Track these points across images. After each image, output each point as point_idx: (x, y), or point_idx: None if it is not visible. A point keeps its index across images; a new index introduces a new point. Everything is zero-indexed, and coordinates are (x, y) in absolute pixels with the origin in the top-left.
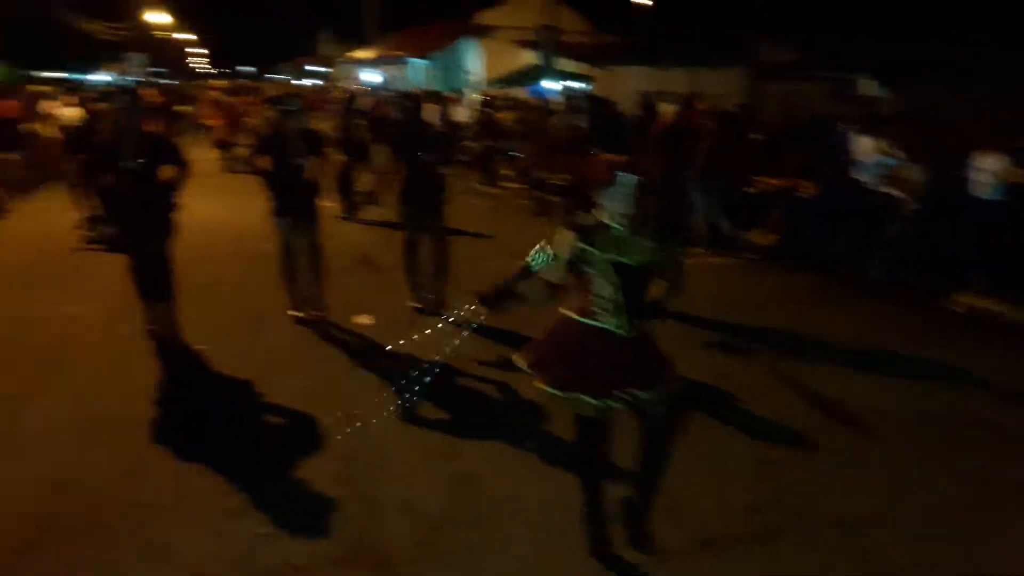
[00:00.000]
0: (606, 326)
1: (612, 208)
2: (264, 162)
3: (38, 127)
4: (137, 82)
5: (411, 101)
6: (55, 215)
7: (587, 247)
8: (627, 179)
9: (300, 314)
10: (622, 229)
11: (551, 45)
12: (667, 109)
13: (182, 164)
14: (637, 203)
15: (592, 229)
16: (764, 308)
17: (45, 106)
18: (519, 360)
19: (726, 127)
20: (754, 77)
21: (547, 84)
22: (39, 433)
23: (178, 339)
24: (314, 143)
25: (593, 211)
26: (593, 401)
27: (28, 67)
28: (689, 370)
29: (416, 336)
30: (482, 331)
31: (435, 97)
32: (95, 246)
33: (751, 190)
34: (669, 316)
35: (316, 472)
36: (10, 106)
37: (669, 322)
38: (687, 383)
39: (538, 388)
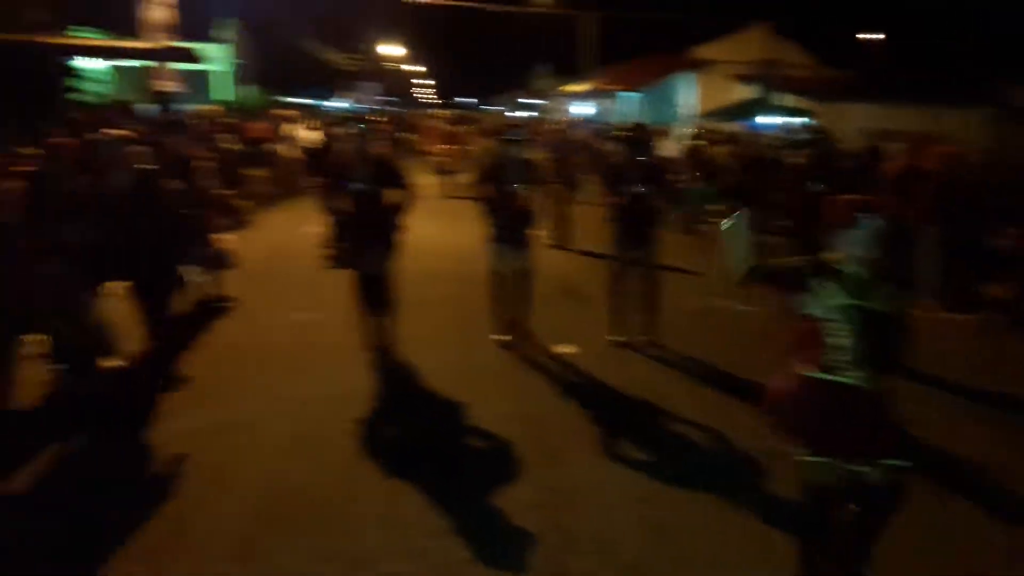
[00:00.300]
0: (849, 381)
1: (852, 251)
2: (485, 189)
3: (282, 148)
4: (370, 109)
5: (628, 133)
6: (291, 228)
7: (826, 288)
8: (871, 221)
9: (505, 338)
10: (862, 273)
11: (772, 79)
12: (896, 149)
13: (407, 187)
14: (880, 247)
15: (829, 270)
16: (1006, 374)
17: (288, 129)
18: (772, 425)
19: (964, 172)
20: (1000, 120)
21: (764, 119)
22: (264, 432)
23: (394, 352)
24: (531, 173)
25: (825, 252)
26: (849, 467)
27: (275, 92)
28: (939, 439)
29: (619, 370)
30: (689, 368)
31: (641, 130)
32: (329, 260)
33: (993, 241)
34: (903, 373)
35: (515, 499)
36: (261, 128)
37: (904, 382)
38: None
39: (797, 458)
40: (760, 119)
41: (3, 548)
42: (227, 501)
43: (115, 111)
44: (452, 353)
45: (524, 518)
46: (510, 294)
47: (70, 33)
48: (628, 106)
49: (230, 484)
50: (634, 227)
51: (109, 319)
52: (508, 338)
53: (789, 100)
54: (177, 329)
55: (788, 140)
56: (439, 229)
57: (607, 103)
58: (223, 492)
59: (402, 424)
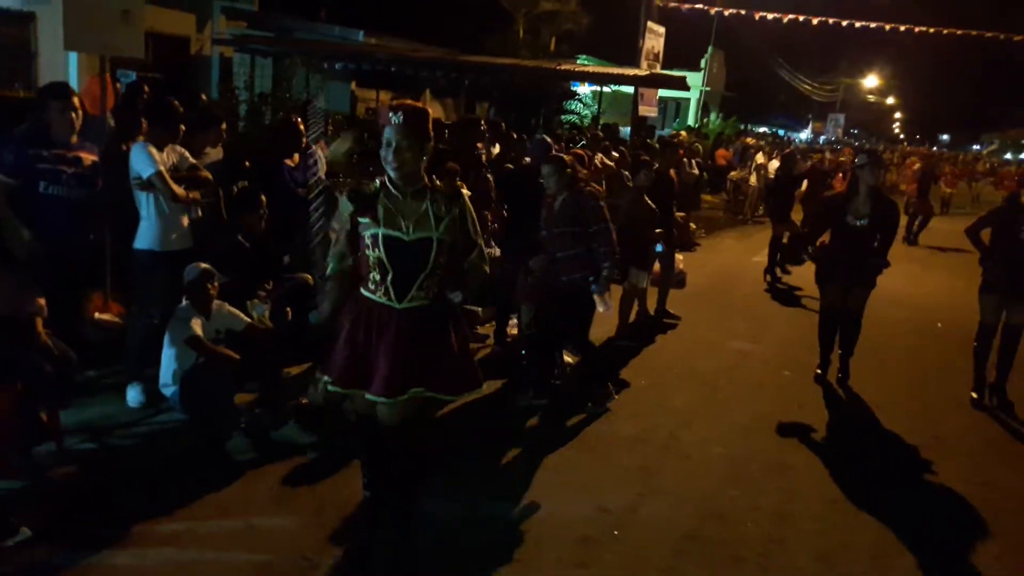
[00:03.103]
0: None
1: None
2: (985, 235)
3: (743, 175)
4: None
5: None
6: (741, 256)
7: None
8: None
9: (981, 399)
10: None
11: None
12: None
13: (894, 228)
14: None
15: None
16: None
17: (754, 157)
18: None
19: None
20: None
21: None
22: (689, 456)
23: (842, 398)
24: None
25: None
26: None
27: (742, 120)
28: None
29: None
30: None
31: None
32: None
33: None
34: None
35: None
36: (723, 155)
37: None
38: None
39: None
40: None
41: None
42: (657, 513)
43: (605, 131)
44: (906, 408)
45: None
46: (994, 349)
47: (579, 61)
48: None
49: (659, 495)
50: None
51: None
52: (984, 401)
53: None
54: (631, 334)
55: None
56: (902, 274)
57: None
58: (653, 500)
59: (840, 471)
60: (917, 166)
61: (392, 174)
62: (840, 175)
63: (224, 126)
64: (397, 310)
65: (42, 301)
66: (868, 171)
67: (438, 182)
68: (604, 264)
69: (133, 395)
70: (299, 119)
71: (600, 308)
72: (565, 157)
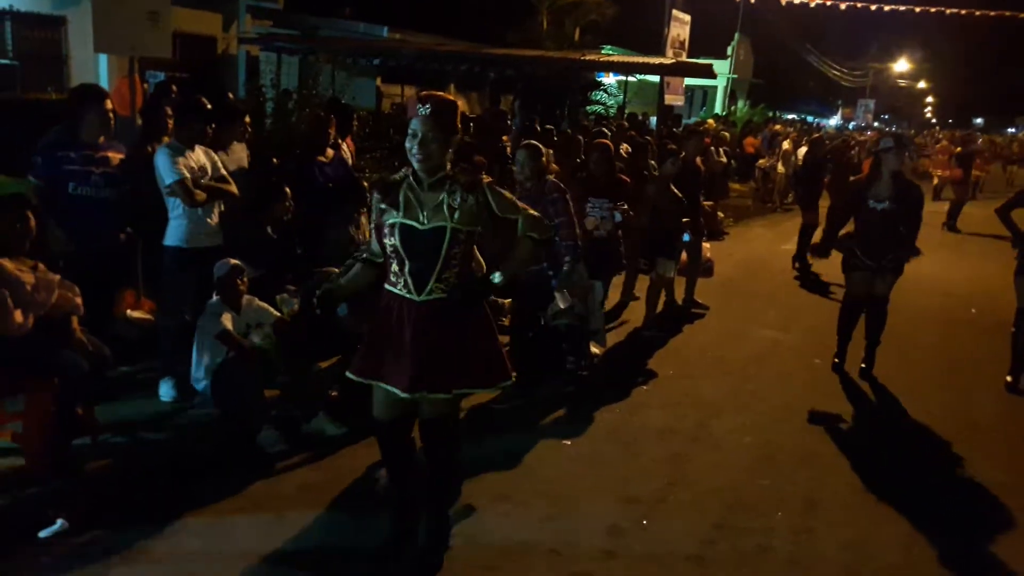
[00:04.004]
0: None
1: None
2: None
3: (771, 163)
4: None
5: None
6: (769, 244)
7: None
8: None
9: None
10: None
11: None
12: None
13: (918, 212)
14: None
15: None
16: None
17: (782, 144)
18: None
19: None
20: None
21: None
22: (718, 446)
23: (877, 381)
24: None
25: None
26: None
27: (771, 107)
28: None
29: None
30: None
31: None
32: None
33: None
34: None
35: None
36: (752, 143)
37: None
38: None
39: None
40: None
41: None
42: (685, 503)
43: (631, 121)
44: (939, 396)
45: None
46: None
47: (604, 51)
48: None
49: (687, 484)
50: None
51: None
52: (1020, 386)
53: None
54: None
55: None
56: (933, 262)
57: None
58: (681, 490)
59: (869, 454)
60: (956, 150)
61: (416, 166)
62: (869, 159)
63: (248, 120)
64: (417, 303)
65: (79, 300)
66: (893, 155)
67: (460, 173)
68: (566, 258)
69: (165, 390)
70: (331, 115)
71: (561, 304)
72: (541, 147)
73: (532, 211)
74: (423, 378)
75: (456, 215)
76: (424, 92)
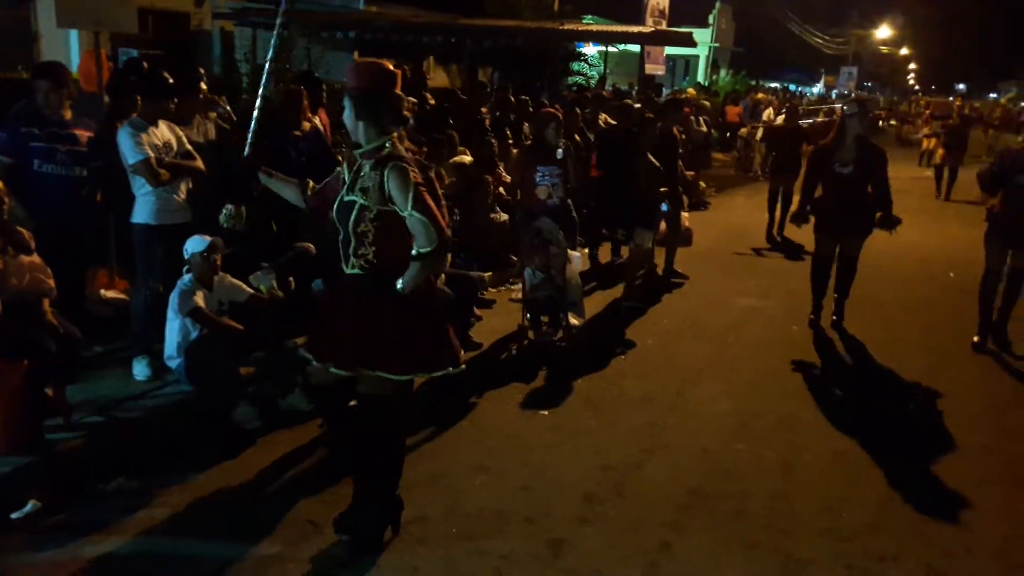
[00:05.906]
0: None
1: None
2: (994, 185)
3: (752, 132)
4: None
5: None
6: (749, 213)
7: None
8: None
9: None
10: None
11: None
12: None
13: (882, 177)
14: None
15: None
16: None
17: (763, 113)
18: None
19: None
20: None
21: None
22: (695, 413)
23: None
24: None
25: None
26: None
27: (752, 76)
28: None
29: None
30: None
31: None
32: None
33: None
34: None
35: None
36: (733, 111)
37: None
38: None
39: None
40: None
41: None
42: (662, 470)
43: (612, 92)
44: (913, 361)
45: None
46: (999, 295)
47: (585, 21)
48: None
49: (664, 451)
50: None
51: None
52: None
53: None
54: (638, 295)
55: None
56: (910, 226)
57: None
58: (658, 457)
59: (844, 417)
60: (947, 121)
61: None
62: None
63: (224, 99)
64: (346, 275)
65: (51, 283)
66: (856, 120)
67: (393, 150)
68: None
69: (139, 368)
70: (303, 89)
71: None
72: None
73: (425, 215)
74: (335, 352)
75: (366, 193)
76: (356, 62)
